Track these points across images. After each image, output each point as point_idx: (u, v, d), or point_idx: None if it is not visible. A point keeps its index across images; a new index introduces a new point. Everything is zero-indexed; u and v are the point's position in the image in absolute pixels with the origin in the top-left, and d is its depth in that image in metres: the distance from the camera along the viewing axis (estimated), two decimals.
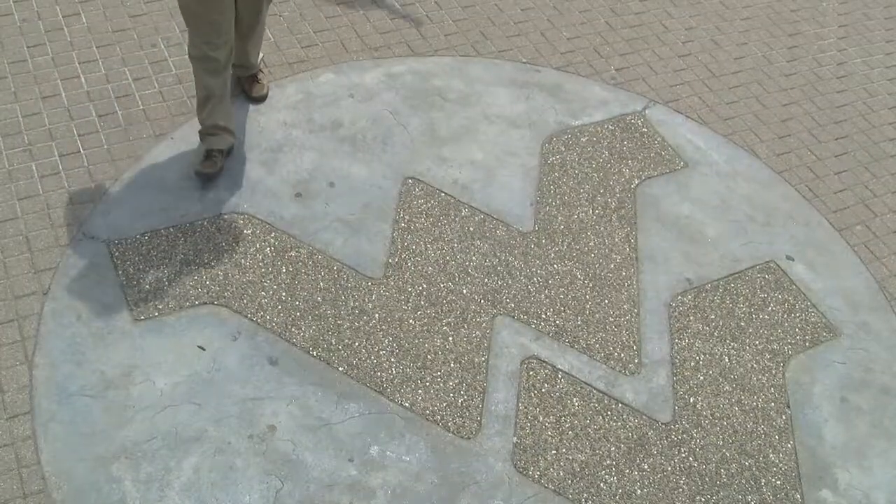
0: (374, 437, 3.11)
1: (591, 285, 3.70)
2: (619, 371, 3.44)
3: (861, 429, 3.42)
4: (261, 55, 4.25)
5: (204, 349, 3.21)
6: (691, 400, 3.40)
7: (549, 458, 3.15)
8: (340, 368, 3.27)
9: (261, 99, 4.21)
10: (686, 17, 5.15)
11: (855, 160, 4.48)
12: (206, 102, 3.72)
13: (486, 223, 3.85)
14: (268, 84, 4.28)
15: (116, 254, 3.48)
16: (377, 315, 3.45)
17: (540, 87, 4.52)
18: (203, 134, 3.79)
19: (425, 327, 3.45)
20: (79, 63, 4.18)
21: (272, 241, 3.62)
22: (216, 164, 3.77)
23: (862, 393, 3.53)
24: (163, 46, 4.34)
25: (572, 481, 3.11)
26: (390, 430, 3.13)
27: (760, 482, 3.21)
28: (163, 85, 4.15)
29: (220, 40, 3.55)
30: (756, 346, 3.61)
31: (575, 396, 3.34)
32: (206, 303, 3.36)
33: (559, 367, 3.41)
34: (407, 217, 3.81)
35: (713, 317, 3.68)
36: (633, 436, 3.26)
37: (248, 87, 4.23)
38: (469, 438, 3.16)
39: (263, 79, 4.26)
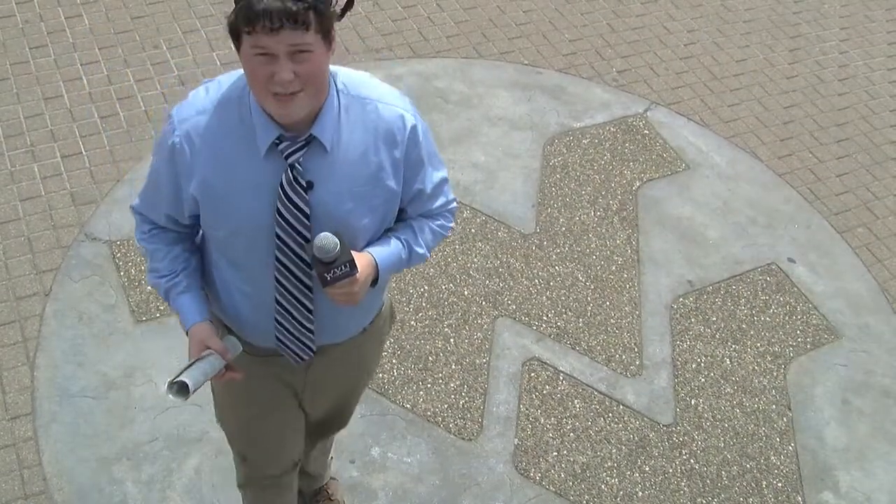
0: (375, 438, 3.11)
1: (592, 287, 3.70)
2: (621, 373, 3.44)
3: (862, 431, 3.42)
4: (331, 460, 2.90)
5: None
6: (692, 402, 3.40)
7: (550, 460, 3.15)
8: None
9: None
10: (688, 19, 5.15)
11: (857, 162, 4.48)
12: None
13: (488, 225, 3.85)
14: (343, 500, 2.92)
15: (118, 255, 3.48)
16: None
17: (542, 88, 4.52)
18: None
19: (427, 329, 3.45)
20: (81, 64, 4.18)
21: None
22: None
23: (863, 395, 3.53)
24: (165, 48, 4.34)
25: (573, 483, 3.10)
26: (392, 432, 3.13)
27: (762, 484, 3.21)
28: (165, 86, 4.15)
29: (284, 460, 2.39)
30: (757, 348, 3.61)
31: (576, 398, 3.33)
32: None
33: (560, 368, 3.41)
34: None
35: (714, 319, 3.68)
36: (634, 438, 3.26)
37: None
38: (470, 440, 3.16)
39: (337, 492, 2.89)
